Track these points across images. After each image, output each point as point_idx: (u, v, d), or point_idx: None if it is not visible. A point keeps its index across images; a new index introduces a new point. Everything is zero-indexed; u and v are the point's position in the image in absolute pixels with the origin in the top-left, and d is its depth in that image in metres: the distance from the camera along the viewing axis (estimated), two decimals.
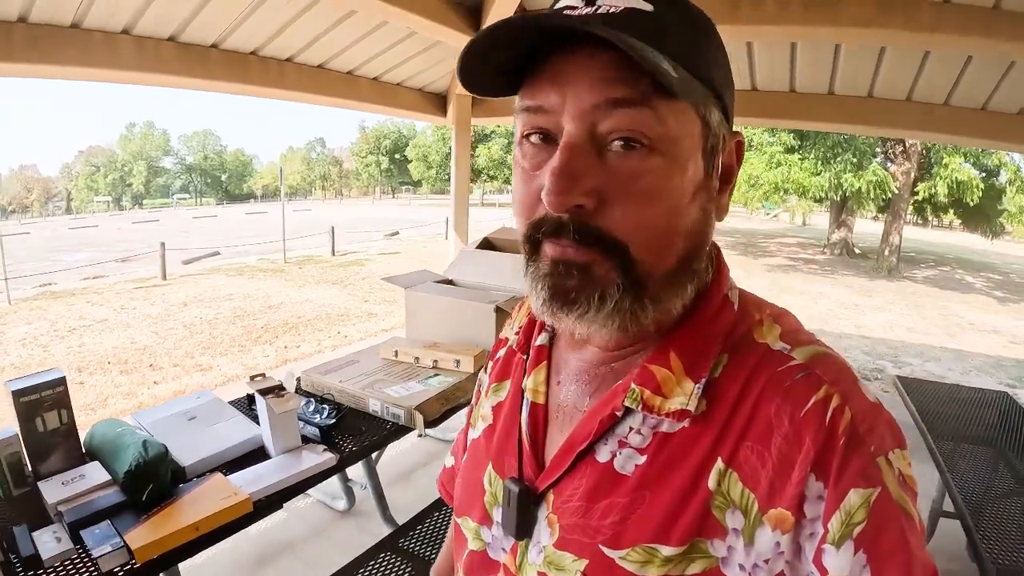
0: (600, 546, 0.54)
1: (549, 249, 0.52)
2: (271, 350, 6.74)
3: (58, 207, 76.84)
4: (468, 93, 2.09)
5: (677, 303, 0.55)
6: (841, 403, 0.49)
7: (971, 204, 15.51)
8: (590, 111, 0.49)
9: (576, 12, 0.50)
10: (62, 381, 1.69)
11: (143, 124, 79.02)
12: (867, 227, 28.21)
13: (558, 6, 0.53)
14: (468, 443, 0.76)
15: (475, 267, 3.01)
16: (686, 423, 0.53)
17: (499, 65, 0.52)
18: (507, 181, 37.88)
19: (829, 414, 0.48)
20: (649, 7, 0.50)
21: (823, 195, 15.80)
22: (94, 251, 17.97)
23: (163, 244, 11.25)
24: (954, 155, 14.96)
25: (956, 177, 14.76)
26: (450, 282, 3.01)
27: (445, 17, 3.31)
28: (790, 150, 15.78)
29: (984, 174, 15.98)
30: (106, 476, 1.60)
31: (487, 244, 3.24)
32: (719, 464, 0.51)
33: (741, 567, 0.49)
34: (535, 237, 0.53)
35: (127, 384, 5.60)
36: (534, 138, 0.53)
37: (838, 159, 14.85)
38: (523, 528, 0.61)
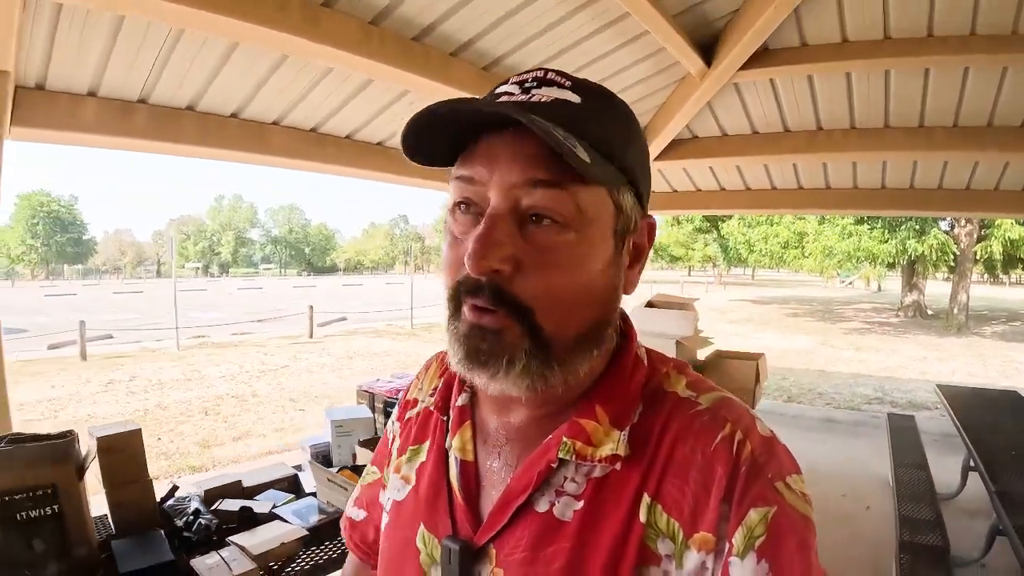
0: None
1: (468, 314, 0.57)
2: None
3: (148, 271, 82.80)
4: None
5: (584, 366, 0.60)
6: (743, 437, 0.56)
7: None
8: (514, 187, 0.55)
9: (512, 99, 0.59)
10: None
11: (231, 196, 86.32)
12: (941, 288, 28.79)
13: (498, 91, 0.62)
14: (389, 505, 0.75)
15: (644, 319, 4.64)
16: (617, 466, 0.58)
17: (435, 141, 0.59)
18: None
19: (735, 447, 0.56)
20: (577, 99, 0.58)
21: (892, 261, 17.10)
22: (219, 312, 20.45)
23: (311, 307, 13.34)
24: None
25: (1009, 236, 15.95)
26: None
27: None
28: (859, 221, 17.25)
29: None
30: None
31: (649, 304, 4.91)
32: (646, 499, 0.57)
33: None
34: (457, 296, 0.58)
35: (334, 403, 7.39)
36: (463, 207, 0.59)
37: (902, 227, 16.17)
38: None
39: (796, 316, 20.87)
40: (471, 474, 0.66)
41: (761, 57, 3.69)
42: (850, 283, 39.43)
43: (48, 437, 1.59)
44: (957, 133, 4.28)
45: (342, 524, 0.90)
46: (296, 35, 2.39)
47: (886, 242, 16.75)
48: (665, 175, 5.76)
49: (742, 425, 0.57)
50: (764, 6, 3.17)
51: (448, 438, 0.70)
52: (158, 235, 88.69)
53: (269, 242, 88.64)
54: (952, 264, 17.26)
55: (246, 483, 2.18)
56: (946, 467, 4.20)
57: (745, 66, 3.69)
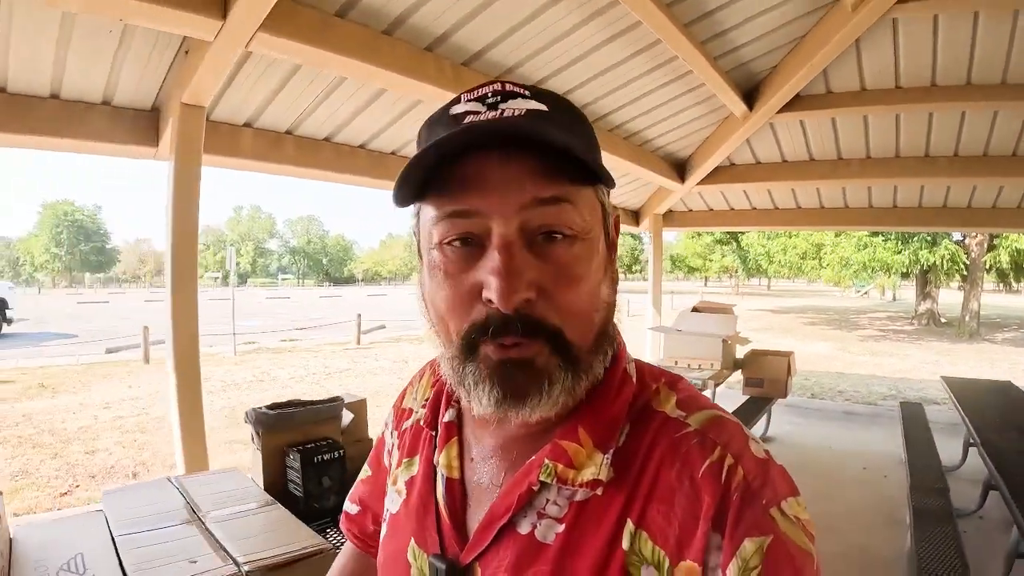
0: None
1: (491, 352, 0.55)
2: None
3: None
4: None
5: (600, 368, 0.59)
6: (734, 462, 0.53)
7: None
8: (519, 211, 0.53)
9: (480, 117, 0.56)
10: None
11: (250, 207, 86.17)
12: (955, 297, 29.43)
13: (455, 111, 0.58)
14: (386, 516, 0.76)
15: (693, 321, 5.42)
16: (599, 491, 0.56)
17: (412, 178, 0.55)
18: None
19: (724, 473, 0.53)
20: (543, 107, 0.57)
21: (905, 271, 17.84)
22: (259, 320, 21.29)
23: (359, 315, 14.20)
24: None
25: (1016, 246, 16.77)
26: (678, 331, 5.43)
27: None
28: (874, 233, 18.02)
29: None
30: None
31: (695, 309, 5.69)
32: (629, 526, 0.55)
33: None
34: (472, 339, 0.55)
35: None
36: (456, 243, 0.55)
37: (914, 238, 16.93)
38: None
39: (814, 324, 21.45)
40: (457, 491, 0.66)
41: (793, 103, 4.48)
42: (865, 293, 40.01)
43: (313, 403, 2.22)
44: (958, 161, 5.05)
45: (341, 519, 0.93)
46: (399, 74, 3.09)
47: (899, 253, 17.59)
48: (704, 197, 6.58)
49: (733, 448, 0.55)
50: (799, 67, 3.96)
51: (436, 454, 0.70)
52: None
53: (287, 252, 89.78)
54: (964, 273, 18.00)
55: None
56: (951, 447, 4.93)
57: (780, 111, 4.48)
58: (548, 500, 0.59)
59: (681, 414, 0.60)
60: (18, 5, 2.22)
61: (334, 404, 2.28)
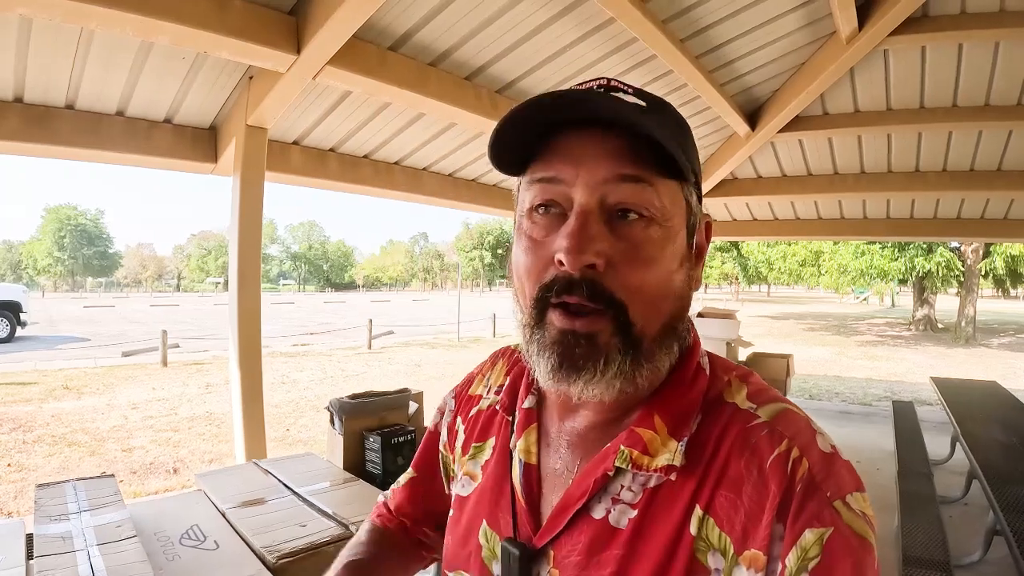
0: None
1: (556, 320, 0.57)
2: None
3: (169, 284, 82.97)
4: None
5: (665, 362, 0.61)
6: (800, 455, 0.55)
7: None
8: (601, 184, 0.57)
9: (584, 87, 0.61)
10: None
11: None
12: (953, 304, 29.88)
13: (574, 85, 0.62)
14: (454, 498, 0.78)
15: (697, 326, 5.75)
16: (672, 476, 0.58)
17: (513, 145, 0.60)
18: None
19: (790, 464, 0.54)
20: (643, 103, 0.60)
21: (902, 277, 18.25)
22: (267, 324, 21.34)
23: (371, 320, 14.55)
24: None
25: (1010, 252, 17.25)
26: None
27: None
28: (871, 241, 18.45)
29: None
30: None
31: (700, 314, 6.02)
32: (698, 511, 0.56)
33: None
34: (545, 298, 0.58)
35: None
36: (542, 210, 0.60)
37: (910, 245, 17.34)
38: None
39: (813, 330, 21.79)
40: (533, 476, 0.68)
41: (793, 124, 4.82)
42: (864, 299, 40.43)
43: (386, 394, 2.56)
44: (946, 176, 5.38)
45: (378, 507, 0.94)
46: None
47: (896, 260, 18.03)
48: (708, 208, 6.90)
49: (800, 441, 0.56)
50: (798, 91, 4.31)
51: (513, 439, 0.71)
52: (179, 249, 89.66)
53: (289, 258, 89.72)
54: (960, 280, 18.43)
55: None
56: (940, 443, 5.27)
57: (781, 131, 4.83)
58: (623, 486, 0.61)
59: (752, 406, 0.61)
60: (99, 34, 2.47)
61: (403, 395, 2.59)
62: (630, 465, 0.59)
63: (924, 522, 3.22)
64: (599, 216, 0.57)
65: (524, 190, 0.62)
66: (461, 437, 0.81)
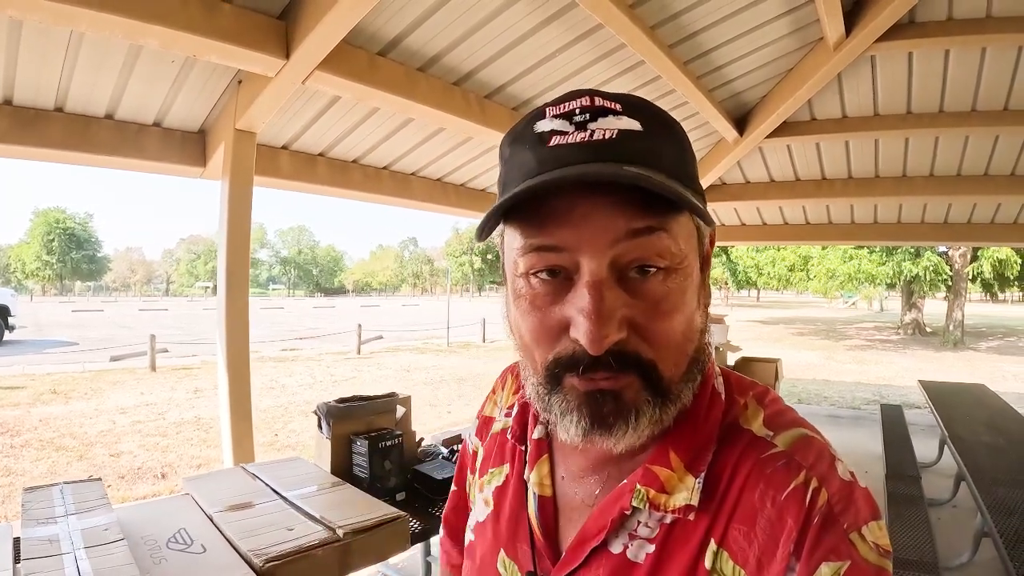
0: None
1: (578, 383, 0.54)
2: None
3: (158, 288, 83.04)
4: None
5: (689, 394, 0.58)
6: (818, 485, 0.53)
7: (1011, 278, 18.29)
8: (610, 246, 0.51)
9: (567, 139, 0.52)
10: None
11: None
12: (942, 308, 30.21)
13: (541, 129, 0.54)
14: (472, 523, 0.77)
15: None
16: (691, 516, 0.56)
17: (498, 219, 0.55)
18: None
19: (808, 497, 0.53)
20: (638, 125, 0.53)
21: (890, 281, 18.42)
22: (256, 329, 21.28)
23: (360, 325, 14.48)
24: None
25: (997, 256, 17.51)
26: None
27: None
28: (859, 246, 18.63)
29: None
30: None
31: None
32: (712, 545, 0.55)
33: None
34: (557, 372, 0.55)
35: (435, 409, 8.22)
36: (543, 274, 0.54)
37: (898, 250, 17.51)
38: None
39: (802, 335, 21.89)
40: (549, 509, 0.66)
41: (781, 129, 4.86)
42: (853, 303, 40.74)
43: (374, 398, 2.53)
44: (933, 181, 5.43)
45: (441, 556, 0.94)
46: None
47: (883, 264, 18.18)
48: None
49: (818, 471, 0.54)
50: (786, 97, 4.34)
51: (526, 471, 0.70)
52: (168, 254, 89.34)
53: (278, 262, 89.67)
54: (948, 284, 18.59)
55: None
56: (929, 447, 5.32)
57: (769, 136, 4.86)
58: (640, 523, 0.59)
59: (768, 433, 0.59)
60: (88, 37, 2.45)
61: (390, 399, 2.59)
62: (647, 505, 0.58)
63: (912, 525, 3.25)
64: (613, 280, 0.52)
65: (517, 253, 0.55)
66: (480, 457, 0.81)
